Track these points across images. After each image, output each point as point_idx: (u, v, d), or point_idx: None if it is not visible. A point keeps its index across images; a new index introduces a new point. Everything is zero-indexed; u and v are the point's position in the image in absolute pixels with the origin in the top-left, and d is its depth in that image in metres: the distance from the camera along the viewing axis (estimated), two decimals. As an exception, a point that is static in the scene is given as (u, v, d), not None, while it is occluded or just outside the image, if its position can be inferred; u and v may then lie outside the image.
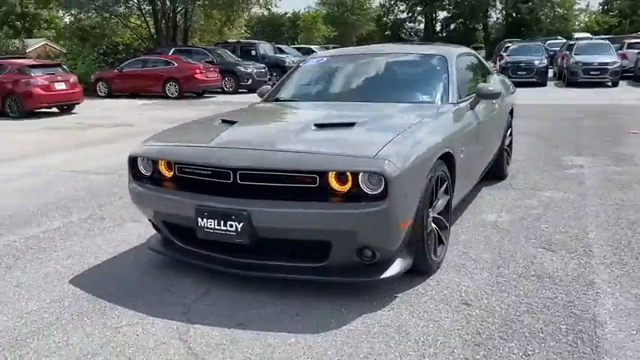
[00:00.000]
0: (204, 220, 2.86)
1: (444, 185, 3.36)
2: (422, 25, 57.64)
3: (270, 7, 26.28)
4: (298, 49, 29.20)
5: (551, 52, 24.78)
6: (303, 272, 2.90)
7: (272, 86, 4.81)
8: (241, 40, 23.61)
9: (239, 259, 2.99)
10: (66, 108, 14.06)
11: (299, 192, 2.80)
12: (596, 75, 17.48)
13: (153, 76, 17.51)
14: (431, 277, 3.20)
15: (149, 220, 3.43)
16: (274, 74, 21.13)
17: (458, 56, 4.38)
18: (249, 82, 18.81)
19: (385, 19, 56.92)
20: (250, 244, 2.85)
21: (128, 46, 23.08)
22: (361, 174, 2.72)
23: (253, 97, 4.91)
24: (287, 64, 21.35)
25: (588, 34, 34.31)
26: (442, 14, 56.12)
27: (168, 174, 3.21)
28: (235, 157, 2.90)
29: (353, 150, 2.83)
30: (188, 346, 2.50)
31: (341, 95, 4.15)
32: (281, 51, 24.80)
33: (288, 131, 3.23)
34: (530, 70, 18.88)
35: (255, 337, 2.57)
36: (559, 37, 33.94)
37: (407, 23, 58.19)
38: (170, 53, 19.62)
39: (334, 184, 2.78)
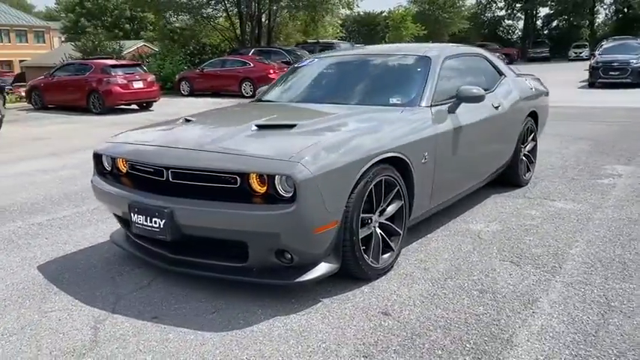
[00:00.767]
0: (135, 215, 3.00)
1: (394, 191, 3.26)
2: (521, 23, 55.06)
3: (352, 7, 26.32)
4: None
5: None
6: (226, 272, 2.95)
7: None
8: (320, 41, 23.87)
9: (175, 255, 3.09)
10: (145, 105, 14.98)
11: (222, 192, 2.85)
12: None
13: (230, 76, 18.19)
14: (369, 284, 3.12)
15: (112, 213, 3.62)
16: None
17: (447, 58, 4.21)
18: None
19: (482, 17, 54.95)
20: (175, 241, 2.94)
21: (215, 47, 24.10)
22: (277, 176, 2.73)
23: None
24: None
25: None
26: (544, 10, 53.24)
27: (123, 171, 3.39)
28: (167, 156, 3.01)
29: (273, 152, 2.83)
30: (95, 334, 2.64)
31: (315, 97, 4.14)
32: (362, 50, 24.76)
33: (227, 131, 3.29)
34: (624, 70, 17.46)
35: (159, 331, 2.66)
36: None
37: (505, 21, 55.83)
38: (250, 54, 20.29)
39: (255, 185, 2.80)
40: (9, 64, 54.65)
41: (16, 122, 12.76)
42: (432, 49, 4.33)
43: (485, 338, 2.52)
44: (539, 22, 54.63)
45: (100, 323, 2.75)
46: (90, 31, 44.06)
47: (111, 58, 16.87)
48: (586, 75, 18.75)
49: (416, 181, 3.45)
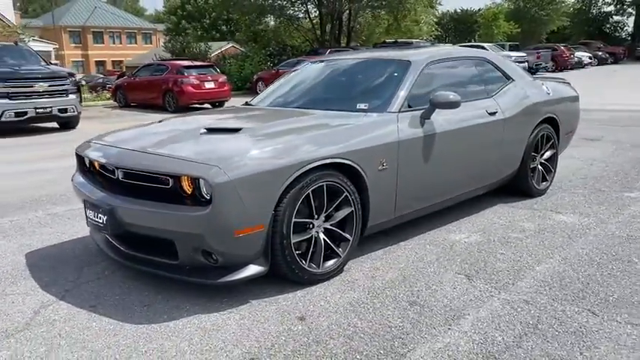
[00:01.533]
0: (87, 210, 3.24)
1: (341, 197, 3.26)
2: (631, 19, 50.99)
3: (433, 5, 25.77)
4: (469, 47, 28.17)
5: None
6: (162, 268, 3.10)
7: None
8: (398, 40, 23.55)
9: (128, 250, 3.29)
10: (217, 104, 15.64)
11: (159, 193, 3.00)
12: None
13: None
14: (306, 289, 3.15)
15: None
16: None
17: (431, 62, 4.11)
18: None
19: (588, 13, 51.60)
20: (129, 237, 3.15)
21: (295, 47, 24.61)
22: (201, 179, 2.83)
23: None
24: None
25: None
26: (659, 5, 48.96)
27: (96, 169, 3.65)
28: (114, 156, 3.22)
29: (199, 155, 2.94)
30: (32, 318, 2.88)
31: (291, 102, 4.19)
32: (443, 50, 24.22)
33: (177, 134, 3.44)
34: None
35: (88, 319, 2.85)
36: None
37: (613, 17, 51.99)
38: (326, 54, 20.53)
39: (185, 187, 2.93)
40: (119, 63, 59.07)
41: (99, 118, 13.81)
42: (416, 54, 4.23)
43: (382, 351, 2.48)
44: (652, 18, 50.40)
45: (43, 308, 3.00)
46: (189, 32, 46.49)
47: (196, 59, 17.79)
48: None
49: (370, 188, 3.41)
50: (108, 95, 20.26)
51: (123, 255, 3.32)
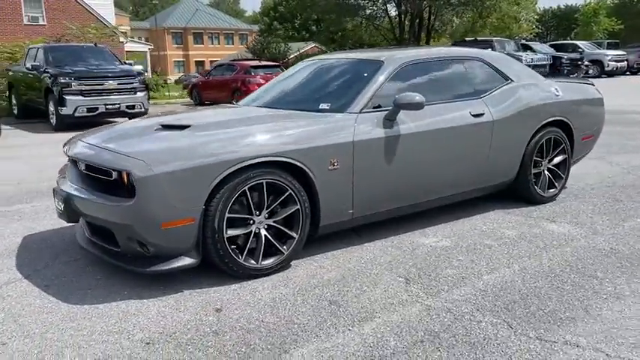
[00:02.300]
0: (54, 198, 3.54)
1: (285, 194, 3.33)
2: None
3: (519, 2, 24.66)
4: (559, 46, 26.72)
5: None
6: (108, 254, 3.32)
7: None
8: (478, 39, 22.83)
9: (90, 236, 3.56)
10: (284, 103, 16.03)
11: (107, 184, 3.23)
12: None
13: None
14: (241, 283, 3.24)
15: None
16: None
17: (408, 63, 4.05)
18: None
19: None
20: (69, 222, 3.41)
21: (371, 46, 24.58)
22: (128, 172, 3.01)
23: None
24: (523, 62, 20.14)
25: None
26: None
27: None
28: (79, 149, 3.49)
29: (133, 150, 3.12)
30: (-7, 293, 3.22)
31: (266, 102, 4.26)
32: (527, 48, 23.23)
33: (136, 129, 3.65)
34: None
35: (35, 297, 3.11)
36: None
37: None
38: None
39: (124, 179, 3.13)
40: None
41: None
42: (394, 54, 4.17)
43: (269, 346, 2.53)
44: None
45: (7, 284, 3.32)
46: (280, 33, 47.71)
47: (274, 60, 18.34)
48: None
49: (320, 187, 3.45)
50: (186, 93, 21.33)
51: (85, 240, 3.59)
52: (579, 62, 23.34)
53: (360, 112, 3.69)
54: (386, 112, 3.74)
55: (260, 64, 16.23)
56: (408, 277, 3.28)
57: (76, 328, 2.74)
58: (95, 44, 13.67)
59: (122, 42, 28.59)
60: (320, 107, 3.81)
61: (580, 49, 25.37)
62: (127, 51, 28.56)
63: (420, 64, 4.17)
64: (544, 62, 21.52)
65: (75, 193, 3.28)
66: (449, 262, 3.51)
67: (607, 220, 4.32)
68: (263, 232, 3.33)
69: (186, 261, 3.13)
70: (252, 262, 3.28)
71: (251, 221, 3.29)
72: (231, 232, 3.18)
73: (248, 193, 3.20)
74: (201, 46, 67.17)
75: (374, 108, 3.77)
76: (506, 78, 4.56)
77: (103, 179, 3.25)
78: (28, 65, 12.28)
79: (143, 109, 12.00)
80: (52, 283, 3.33)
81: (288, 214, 3.40)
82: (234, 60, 18.88)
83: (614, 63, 25.26)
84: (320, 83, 4.28)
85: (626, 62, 26.33)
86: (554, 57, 22.66)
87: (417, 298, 3.00)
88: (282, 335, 2.62)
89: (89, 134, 3.74)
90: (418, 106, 3.70)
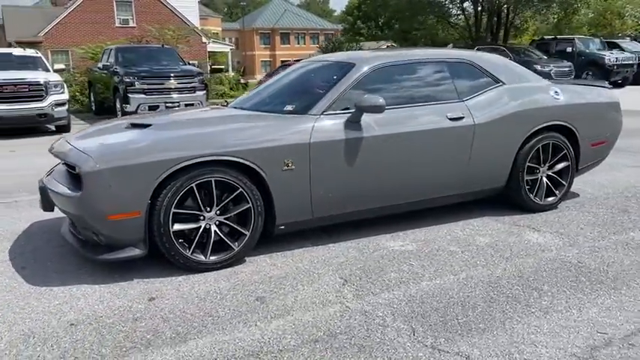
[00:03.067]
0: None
1: (236, 192, 3.46)
2: None
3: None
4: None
5: None
6: (76, 242, 3.62)
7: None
8: (559, 37, 21.69)
9: (70, 225, 3.88)
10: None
11: (73, 178, 3.52)
12: None
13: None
14: (187, 275, 3.40)
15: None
16: (589, 73, 19.23)
17: (384, 65, 4.04)
18: (546, 82, 17.62)
19: None
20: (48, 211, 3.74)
21: (444, 44, 24.06)
22: (77, 167, 3.27)
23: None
24: (606, 62, 19.03)
25: None
26: None
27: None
28: (58, 146, 3.81)
29: (89, 146, 3.39)
30: (-25, 271, 3.60)
31: (244, 104, 4.37)
32: (616, 46, 21.77)
33: (109, 127, 3.91)
34: None
35: (7, 276, 3.45)
36: None
37: None
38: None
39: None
40: (300, 62, 62.83)
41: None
42: (367, 56, 4.18)
43: (174, 334, 2.68)
44: None
45: (-12, 265, 3.71)
46: (363, 32, 47.67)
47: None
48: None
49: (273, 186, 3.55)
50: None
51: (65, 229, 3.91)
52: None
53: (322, 114, 3.74)
54: (349, 114, 3.77)
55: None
56: (347, 279, 3.31)
57: (22, 307, 3.03)
58: (162, 45, 14.48)
59: (204, 42, 29.90)
60: (285, 109, 3.90)
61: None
62: (209, 51, 29.79)
63: (396, 66, 4.15)
64: (631, 62, 20.07)
65: (48, 185, 3.59)
66: (398, 266, 3.49)
67: (597, 232, 4.08)
68: (213, 227, 3.48)
69: (133, 252, 3.34)
70: (201, 256, 3.44)
71: (201, 217, 3.45)
72: (178, 227, 3.36)
73: (196, 190, 3.36)
74: (288, 46, 68.53)
75: (342, 110, 3.80)
76: (497, 81, 4.41)
77: (73, 174, 3.54)
78: (100, 65, 13.22)
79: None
80: (30, 266, 3.66)
81: (241, 212, 3.53)
82: (297, 60, 19.21)
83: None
84: (297, 85, 4.36)
85: None
86: (644, 56, 21.08)
87: (343, 299, 3.03)
88: (192, 326, 2.76)
89: (78, 132, 4.08)
90: (379, 109, 3.70)
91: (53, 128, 11.30)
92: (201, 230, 3.45)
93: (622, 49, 21.37)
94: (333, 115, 3.76)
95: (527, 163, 4.47)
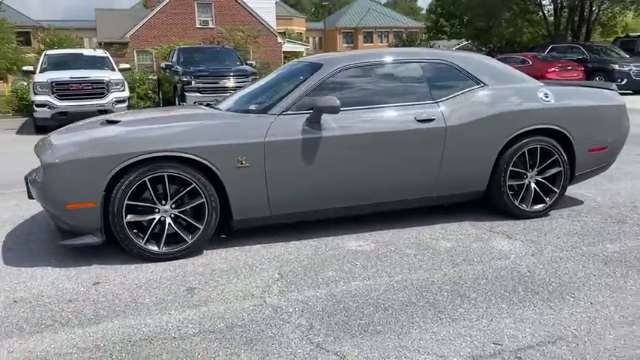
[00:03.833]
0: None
1: (188, 188, 3.64)
2: None
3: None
4: None
5: None
6: (56, 228, 3.94)
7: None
8: (642, 34, 20.18)
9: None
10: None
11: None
12: None
13: (508, 74, 17.49)
14: (140, 264, 3.59)
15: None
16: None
17: (352, 66, 4.07)
18: (624, 81, 16.61)
19: None
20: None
21: (517, 43, 23.07)
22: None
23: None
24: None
25: None
26: None
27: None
28: (39, 141, 4.16)
29: (57, 141, 3.68)
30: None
31: (231, 103, 4.45)
32: None
33: (86, 124, 4.20)
34: None
35: (-10, 257, 3.87)
36: None
37: None
38: (546, 51, 19.01)
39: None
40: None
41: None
42: (337, 57, 4.20)
43: (92, 316, 2.89)
44: None
45: (-17, 246, 4.12)
46: (445, 30, 46.78)
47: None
48: None
49: (227, 183, 3.69)
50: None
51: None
52: None
53: (281, 114, 3.83)
54: (308, 114, 3.83)
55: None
56: (284, 275, 3.38)
57: (-12, 285, 3.37)
58: (222, 46, 15.04)
59: (279, 43, 30.58)
60: (249, 108, 4.03)
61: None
62: (285, 51, 30.44)
63: (366, 67, 4.15)
64: None
65: (28, 176, 3.94)
66: (341, 266, 3.51)
67: (571, 242, 3.87)
68: (168, 220, 3.67)
69: (91, 239, 3.60)
70: (154, 247, 3.64)
71: (157, 210, 3.65)
72: (131, 218, 3.58)
73: (148, 184, 3.57)
74: (371, 44, 68.33)
75: (307, 110, 3.87)
76: (478, 82, 4.28)
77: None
78: (163, 65, 13.96)
79: (254, 106, 12.93)
80: (17, 248, 4.03)
81: (196, 207, 3.70)
82: None
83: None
84: (272, 86, 4.44)
85: None
86: None
87: (266, 294, 3.11)
88: (113, 310, 2.96)
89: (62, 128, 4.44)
90: (334, 110, 3.74)
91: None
92: (155, 222, 3.65)
93: None
94: (293, 115, 3.84)
95: (511, 168, 4.31)
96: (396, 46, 25.90)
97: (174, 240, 3.70)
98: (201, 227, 3.71)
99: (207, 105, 4.70)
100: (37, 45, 39.84)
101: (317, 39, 72.66)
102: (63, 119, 10.05)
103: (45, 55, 12.91)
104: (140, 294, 3.16)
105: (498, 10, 23.67)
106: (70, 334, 2.70)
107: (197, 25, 28.88)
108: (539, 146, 4.34)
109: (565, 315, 2.77)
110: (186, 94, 12.41)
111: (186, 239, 3.69)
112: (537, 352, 2.42)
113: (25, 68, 13.03)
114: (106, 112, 11.33)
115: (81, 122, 4.42)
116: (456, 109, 4.13)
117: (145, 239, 3.63)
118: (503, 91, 4.30)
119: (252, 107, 4.03)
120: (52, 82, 11.18)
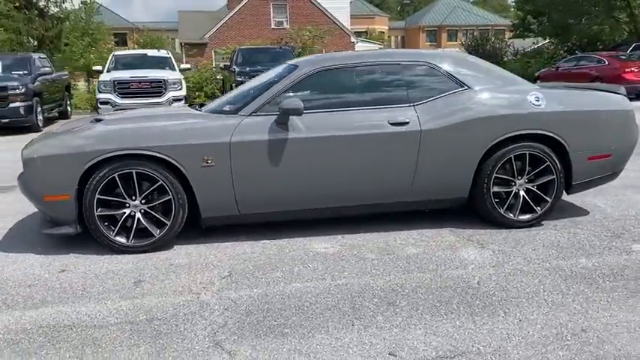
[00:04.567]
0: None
1: (157, 184, 3.81)
2: None
3: None
4: None
5: None
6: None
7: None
8: None
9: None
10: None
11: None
12: None
13: (581, 74, 16.47)
14: (109, 255, 3.80)
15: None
16: None
17: (324, 69, 4.06)
18: None
19: None
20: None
21: (600, 41, 21.64)
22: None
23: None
24: None
25: None
26: None
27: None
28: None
29: (41, 139, 3.97)
30: (-24, 235, 4.43)
31: (218, 104, 4.57)
32: None
33: (80, 121, 4.46)
34: None
35: (-10, 242, 4.24)
36: None
37: None
38: (629, 49, 17.86)
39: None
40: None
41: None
42: (314, 59, 4.21)
43: (37, 301, 3.11)
44: None
45: (-10, 231, 4.52)
46: (533, 27, 44.77)
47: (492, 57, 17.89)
48: None
49: (193, 181, 3.82)
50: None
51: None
52: None
53: (250, 115, 3.91)
54: (276, 116, 3.88)
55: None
56: (234, 273, 3.46)
57: (-31, 266, 3.71)
58: (280, 47, 15.30)
59: (352, 42, 30.65)
60: (223, 109, 4.13)
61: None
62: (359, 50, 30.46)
63: (343, 69, 4.13)
64: None
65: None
66: (292, 267, 3.54)
67: (545, 255, 3.66)
68: (138, 215, 3.86)
69: (66, 229, 3.85)
70: (123, 239, 3.84)
71: (127, 204, 3.85)
72: (101, 211, 3.80)
73: (118, 180, 3.77)
74: (455, 42, 66.52)
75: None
76: (461, 85, 4.13)
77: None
78: (222, 65, 14.43)
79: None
80: (17, 236, 4.38)
81: (165, 203, 3.86)
82: None
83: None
84: (257, 86, 4.50)
85: None
86: None
87: (205, 290, 3.21)
88: (59, 296, 3.17)
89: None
90: (297, 112, 3.77)
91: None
92: (124, 216, 3.85)
93: None
94: (262, 116, 3.90)
95: (497, 175, 4.13)
96: (468, 45, 25.13)
97: (142, 234, 3.87)
98: (169, 223, 3.86)
99: (201, 105, 4.85)
100: (132, 45, 42.33)
101: (399, 38, 71.82)
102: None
103: (113, 55, 13.76)
104: (92, 283, 3.35)
105: (579, 5, 22.35)
106: (8, 316, 2.93)
107: (272, 26, 29.56)
108: (527, 152, 4.12)
109: (484, 330, 2.65)
110: (240, 93, 12.75)
111: (154, 234, 3.86)
112: (430, 367, 2.35)
113: (95, 68, 13.95)
114: (162, 109, 11.95)
115: (77, 121, 4.72)
116: (433, 113, 4.02)
117: (115, 232, 3.83)
118: (487, 94, 4.12)
119: (227, 108, 4.13)
120: (114, 81, 11.91)
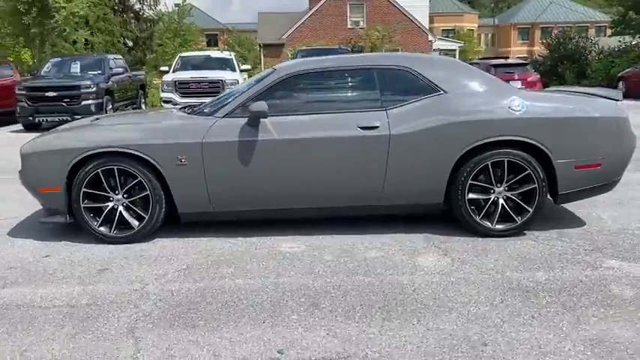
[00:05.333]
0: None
1: (136, 180, 4.09)
2: None
3: None
4: None
5: None
6: (47, 207, 4.68)
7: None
8: None
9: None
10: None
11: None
12: None
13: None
14: (100, 245, 4.12)
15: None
16: None
17: (298, 73, 4.15)
18: None
19: None
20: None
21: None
22: None
23: None
24: None
25: None
26: None
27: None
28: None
29: (44, 134, 4.37)
30: (-3, 221, 4.95)
31: (211, 104, 4.81)
32: None
33: (85, 120, 4.83)
34: None
35: None
36: None
37: None
38: None
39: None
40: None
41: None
42: (293, 63, 4.30)
43: (8, 282, 3.47)
44: None
45: None
46: (634, 24, 41.96)
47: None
48: None
49: (168, 178, 4.06)
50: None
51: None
52: None
53: (223, 117, 4.09)
54: (247, 118, 4.04)
55: (504, 62, 15.39)
56: (190, 267, 3.66)
57: (-26, 248, 4.17)
58: (340, 47, 15.42)
59: (430, 41, 30.12)
60: (203, 111, 4.35)
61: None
62: (434, 49, 29.92)
63: (318, 73, 4.20)
64: None
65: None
66: (245, 264, 3.68)
67: (503, 265, 3.56)
68: (120, 208, 4.17)
69: (58, 219, 4.23)
70: (106, 230, 4.16)
71: (110, 198, 4.16)
72: (87, 203, 4.13)
73: (101, 175, 4.08)
74: (549, 41, 63.50)
75: (256, 113, 4.08)
76: (436, 89, 4.07)
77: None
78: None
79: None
80: (25, 220, 4.84)
81: (144, 198, 4.13)
82: (483, 59, 18.19)
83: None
84: (239, 89, 4.67)
85: None
86: None
87: (155, 281, 3.42)
88: (29, 279, 3.51)
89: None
90: (263, 115, 3.91)
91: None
92: (108, 208, 4.16)
93: None
94: (234, 119, 4.07)
95: (473, 181, 4.05)
96: (549, 43, 23.90)
97: (124, 226, 4.17)
98: (147, 217, 4.13)
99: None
100: (222, 46, 44.08)
101: (489, 36, 69.48)
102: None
103: (179, 56, 14.49)
104: (64, 269, 3.68)
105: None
106: (-21, 294, 3.30)
107: (348, 26, 29.69)
108: (505, 159, 4.00)
109: (384, 337, 2.66)
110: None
111: (134, 226, 4.14)
112: (312, 367, 2.41)
113: (162, 68, 14.76)
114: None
115: (82, 120, 5.12)
116: (405, 117, 4.00)
117: (99, 223, 4.16)
118: (463, 99, 4.04)
119: (206, 110, 4.33)
120: (175, 82, 12.58)
